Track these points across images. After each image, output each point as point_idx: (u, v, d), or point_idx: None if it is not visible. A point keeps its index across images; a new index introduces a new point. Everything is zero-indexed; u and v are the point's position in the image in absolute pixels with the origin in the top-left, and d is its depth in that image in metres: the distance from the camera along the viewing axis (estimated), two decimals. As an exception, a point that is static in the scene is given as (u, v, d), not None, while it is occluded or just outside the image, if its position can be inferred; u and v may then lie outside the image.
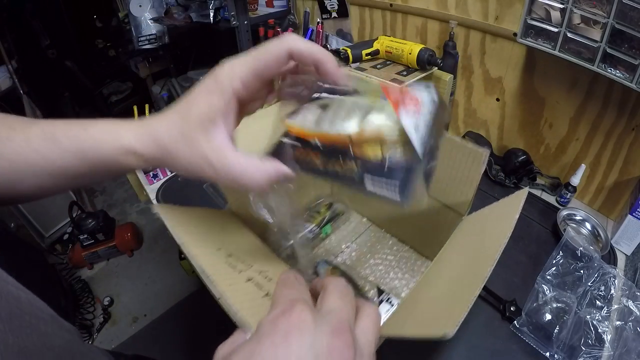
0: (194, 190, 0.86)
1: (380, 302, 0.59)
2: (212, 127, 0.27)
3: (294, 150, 0.29)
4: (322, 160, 0.28)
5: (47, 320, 0.25)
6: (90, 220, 1.64)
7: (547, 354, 0.54)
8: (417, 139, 0.25)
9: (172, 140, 0.28)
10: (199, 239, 0.39)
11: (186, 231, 0.39)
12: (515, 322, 0.58)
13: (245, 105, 0.31)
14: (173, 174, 0.96)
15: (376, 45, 0.95)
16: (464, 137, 0.96)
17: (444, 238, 0.48)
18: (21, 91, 1.76)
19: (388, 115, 0.26)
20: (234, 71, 0.28)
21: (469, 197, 0.52)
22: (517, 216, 0.38)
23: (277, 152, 0.30)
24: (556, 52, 0.66)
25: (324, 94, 0.30)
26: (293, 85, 0.31)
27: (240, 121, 0.32)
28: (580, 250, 0.64)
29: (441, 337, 0.25)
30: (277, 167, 0.29)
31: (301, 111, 0.30)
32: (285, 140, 0.30)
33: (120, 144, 0.28)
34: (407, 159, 0.25)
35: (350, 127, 0.27)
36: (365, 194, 0.26)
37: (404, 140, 0.25)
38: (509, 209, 0.41)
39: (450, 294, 0.34)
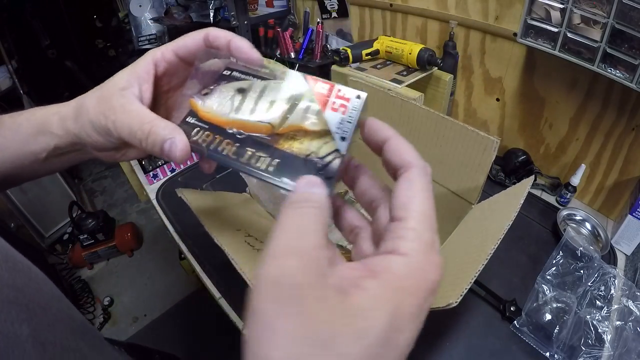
0: (194, 190, 0.86)
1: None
2: (127, 89, 0.28)
3: (201, 132, 0.27)
4: (235, 149, 0.26)
5: (36, 272, 0.26)
6: (90, 220, 1.64)
7: (547, 354, 0.54)
8: (340, 136, 0.24)
9: (88, 100, 0.29)
10: (220, 220, 0.41)
11: (208, 213, 0.41)
12: (515, 322, 0.58)
13: (164, 80, 0.32)
14: (173, 173, 0.97)
15: (376, 45, 0.95)
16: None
17: (453, 227, 0.49)
18: (21, 91, 1.76)
19: (313, 108, 0.25)
20: (158, 48, 0.31)
21: (480, 183, 0.53)
22: (522, 201, 0.39)
23: (184, 128, 0.28)
24: (556, 52, 0.66)
25: (236, 73, 0.29)
26: (205, 60, 0.30)
27: (158, 94, 0.32)
28: (580, 250, 0.64)
29: (446, 306, 0.26)
30: (176, 135, 0.27)
31: (214, 94, 0.29)
32: (192, 121, 0.28)
33: (52, 108, 0.31)
34: (330, 155, 0.24)
35: (272, 116, 0.26)
36: (276, 187, 0.25)
37: (328, 135, 0.24)
38: (515, 195, 0.42)
39: (455, 272, 0.35)
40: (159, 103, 0.33)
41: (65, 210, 1.61)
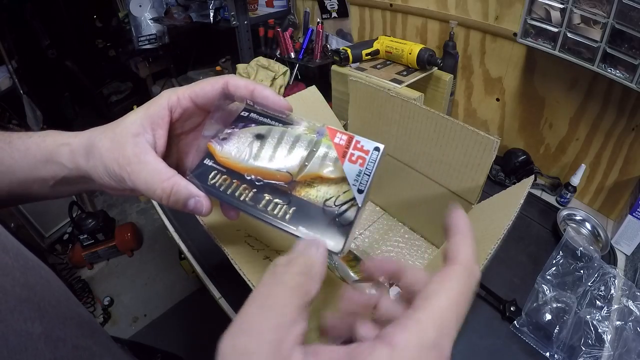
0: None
1: (391, 284, 0.60)
2: (140, 135, 0.28)
3: (219, 176, 0.28)
4: (253, 194, 0.26)
5: (45, 269, 0.26)
6: (90, 220, 1.64)
7: (547, 354, 0.54)
8: (358, 189, 0.24)
9: (100, 141, 0.28)
10: (220, 220, 0.41)
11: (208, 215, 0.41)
12: (515, 322, 0.58)
13: (178, 124, 0.31)
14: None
15: (376, 45, 0.95)
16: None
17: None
18: (21, 91, 1.76)
19: (331, 155, 0.26)
20: (173, 91, 0.30)
21: (480, 183, 0.53)
22: (522, 201, 0.39)
23: (201, 173, 0.28)
24: (556, 52, 0.66)
25: (254, 115, 0.29)
26: (222, 107, 0.30)
27: (170, 136, 0.31)
28: (580, 250, 0.64)
29: None
30: (179, 186, 0.27)
31: (233, 139, 0.28)
32: (210, 163, 0.28)
33: (62, 138, 0.30)
34: (346, 204, 0.24)
35: (291, 164, 0.26)
36: (289, 234, 0.25)
37: (345, 182, 0.25)
38: (515, 195, 0.42)
39: None
40: (171, 145, 0.32)
41: (65, 210, 1.61)
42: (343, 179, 0.25)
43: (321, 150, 0.26)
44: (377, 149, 0.25)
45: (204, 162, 0.28)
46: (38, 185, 0.31)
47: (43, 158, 0.30)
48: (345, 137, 0.26)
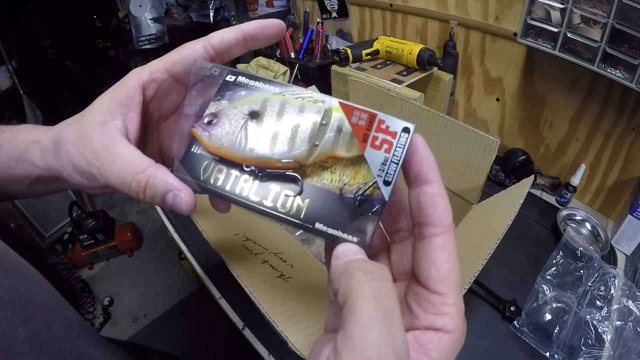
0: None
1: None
2: (107, 123, 0.23)
3: (212, 167, 0.23)
4: (256, 187, 0.22)
5: (31, 271, 0.26)
6: (90, 220, 1.64)
7: (547, 354, 0.54)
8: (384, 180, 0.20)
9: (66, 135, 0.25)
10: (218, 224, 0.41)
11: (206, 217, 0.40)
12: (515, 322, 0.58)
13: (154, 104, 0.27)
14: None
15: (376, 45, 0.95)
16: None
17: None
18: (21, 91, 1.76)
19: (345, 129, 0.21)
20: (145, 66, 0.25)
21: (480, 183, 0.53)
22: (522, 201, 0.39)
23: (190, 165, 0.23)
24: (556, 52, 0.66)
25: (242, 78, 0.23)
26: (203, 73, 0.24)
27: (147, 121, 0.27)
28: (580, 250, 0.64)
29: None
30: (181, 187, 0.23)
31: (221, 122, 0.23)
32: (199, 151, 0.23)
33: (33, 134, 0.27)
34: (368, 189, 0.20)
35: (298, 150, 0.22)
36: (305, 230, 0.21)
37: (363, 162, 0.20)
38: (515, 195, 0.42)
39: None
40: (150, 132, 0.28)
41: (65, 210, 1.61)
42: (361, 158, 0.20)
43: (333, 123, 0.21)
44: (406, 129, 0.20)
45: (192, 150, 0.23)
46: (13, 185, 0.28)
47: (15, 156, 0.27)
48: (365, 116, 0.21)
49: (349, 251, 0.19)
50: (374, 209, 0.20)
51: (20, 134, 0.27)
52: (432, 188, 0.19)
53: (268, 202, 0.21)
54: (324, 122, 0.21)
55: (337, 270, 0.19)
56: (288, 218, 0.21)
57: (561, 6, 0.62)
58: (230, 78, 0.24)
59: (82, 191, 2.11)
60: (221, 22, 1.25)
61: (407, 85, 0.85)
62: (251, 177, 0.22)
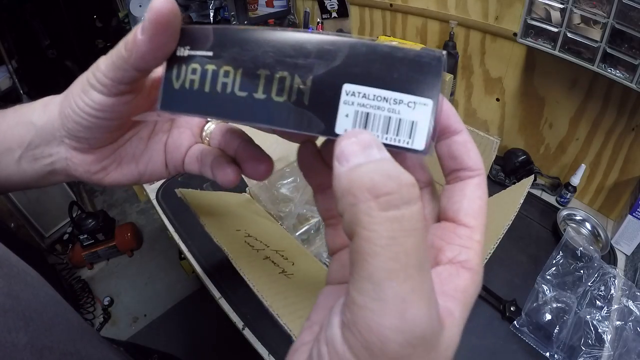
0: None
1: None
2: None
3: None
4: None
5: (32, 275, 0.25)
6: (90, 220, 1.64)
7: (547, 354, 0.54)
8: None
9: (54, 98, 0.26)
10: (220, 220, 0.41)
11: (208, 213, 0.41)
12: (515, 322, 0.58)
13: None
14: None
15: (376, 45, 0.95)
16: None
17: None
18: (21, 91, 1.76)
19: None
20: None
21: None
22: (522, 201, 0.39)
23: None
24: (556, 52, 0.66)
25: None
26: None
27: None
28: (580, 250, 0.64)
29: None
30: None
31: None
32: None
33: (46, 98, 0.27)
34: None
35: None
36: (329, 135, 0.16)
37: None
38: (514, 195, 0.42)
39: None
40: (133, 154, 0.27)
41: (65, 210, 1.61)
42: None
43: None
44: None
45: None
46: (5, 162, 0.27)
47: (14, 122, 0.27)
48: None
49: (356, 145, 0.14)
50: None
51: (32, 102, 0.27)
52: (462, 137, 0.19)
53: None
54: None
55: (339, 185, 0.13)
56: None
57: (561, 6, 0.62)
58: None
59: (82, 191, 2.11)
60: (221, 22, 1.26)
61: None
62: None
